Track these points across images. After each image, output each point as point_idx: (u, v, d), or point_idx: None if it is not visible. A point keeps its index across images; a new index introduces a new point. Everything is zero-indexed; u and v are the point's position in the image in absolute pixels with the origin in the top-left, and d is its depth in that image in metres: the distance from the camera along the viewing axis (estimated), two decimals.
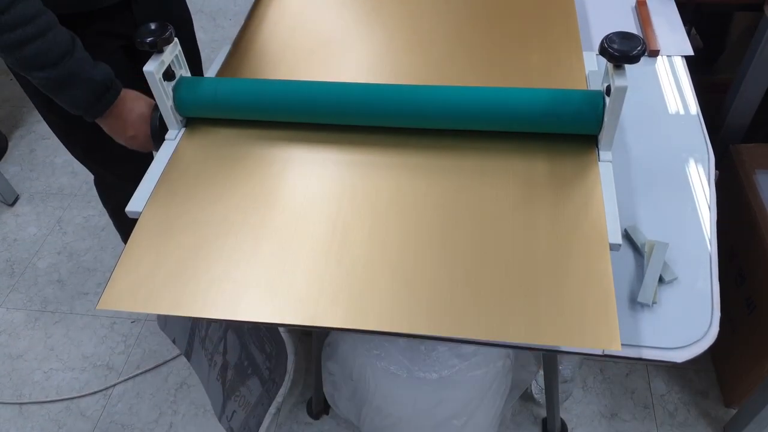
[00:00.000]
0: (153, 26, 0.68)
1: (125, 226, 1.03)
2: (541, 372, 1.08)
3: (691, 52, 0.91)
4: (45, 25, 0.69)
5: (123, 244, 1.34)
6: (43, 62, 0.70)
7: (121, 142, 0.82)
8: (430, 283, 0.56)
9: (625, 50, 0.60)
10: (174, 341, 0.78)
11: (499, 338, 0.53)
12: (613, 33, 0.62)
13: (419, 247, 0.59)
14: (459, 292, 0.55)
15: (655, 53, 0.91)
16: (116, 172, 1.06)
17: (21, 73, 0.72)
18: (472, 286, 0.56)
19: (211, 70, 0.82)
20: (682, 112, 0.82)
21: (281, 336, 0.94)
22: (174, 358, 1.39)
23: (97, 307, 0.58)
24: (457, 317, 0.54)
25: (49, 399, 1.35)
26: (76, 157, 1.06)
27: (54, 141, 1.98)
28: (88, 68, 0.73)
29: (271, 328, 0.97)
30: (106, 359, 1.41)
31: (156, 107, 0.73)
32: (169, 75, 0.71)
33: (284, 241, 0.61)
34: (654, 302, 0.62)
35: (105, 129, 0.80)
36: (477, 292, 0.55)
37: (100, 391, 1.35)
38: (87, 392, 1.35)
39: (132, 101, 0.79)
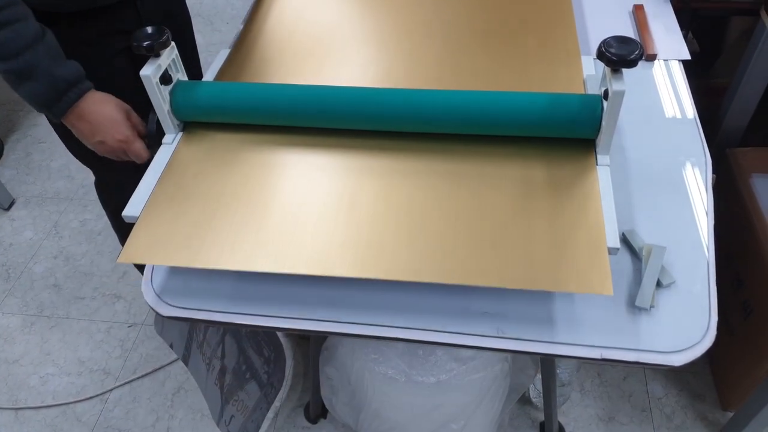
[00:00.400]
0: (150, 30, 0.68)
1: (124, 228, 1.03)
2: (539, 376, 1.08)
3: (688, 57, 0.91)
4: (12, 16, 0.68)
5: (121, 246, 1.34)
6: (4, 53, 0.69)
7: (91, 147, 0.78)
8: (434, 239, 0.60)
9: (623, 54, 0.60)
10: (171, 346, 0.78)
11: (498, 284, 0.56)
12: (611, 37, 0.62)
13: (424, 209, 0.62)
14: (461, 246, 0.59)
15: (652, 57, 0.91)
16: (118, 173, 1.06)
17: None
18: (473, 242, 0.59)
19: (208, 74, 0.82)
20: (679, 116, 0.82)
21: (279, 340, 0.94)
22: (171, 362, 1.38)
23: (118, 260, 0.62)
24: (458, 267, 0.58)
25: (45, 404, 1.34)
26: (77, 157, 1.05)
27: (50, 145, 1.97)
28: (49, 63, 0.71)
29: (269, 333, 0.97)
30: (102, 364, 1.40)
31: (153, 111, 0.73)
32: (166, 79, 0.71)
33: (291, 213, 0.64)
34: (652, 306, 0.62)
35: (73, 131, 0.78)
36: (478, 246, 0.59)
37: (97, 396, 1.34)
38: (83, 397, 1.34)
39: (98, 103, 0.75)
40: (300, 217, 0.63)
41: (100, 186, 1.18)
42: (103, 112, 0.75)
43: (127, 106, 0.77)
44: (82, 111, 0.75)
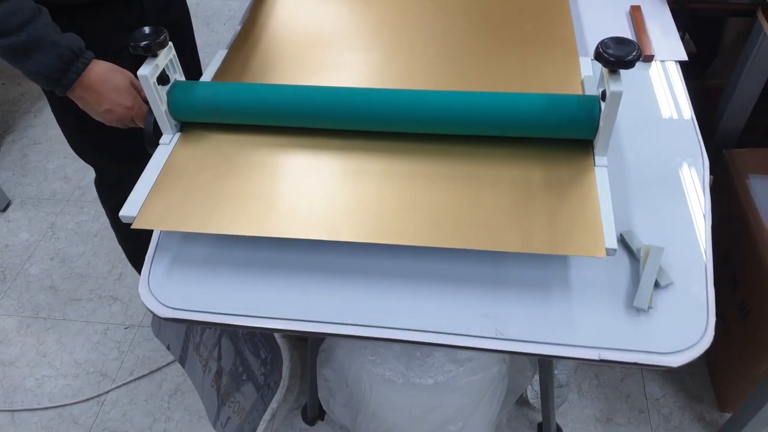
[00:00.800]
0: (148, 30, 0.67)
1: (122, 226, 1.03)
2: (537, 377, 1.08)
3: (685, 58, 0.92)
4: None
5: (119, 245, 1.34)
6: (5, 29, 0.68)
7: (97, 117, 0.79)
8: (435, 207, 0.63)
9: (621, 55, 0.60)
10: (168, 347, 0.77)
11: (497, 248, 0.59)
12: (608, 38, 0.62)
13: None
14: (461, 214, 0.62)
15: (649, 58, 0.92)
16: (118, 171, 1.05)
17: None
18: (473, 211, 0.63)
19: (206, 75, 0.82)
20: (676, 117, 0.82)
21: (276, 341, 0.94)
22: (168, 364, 1.38)
23: (133, 226, 0.63)
24: (458, 231, 0.61)
25: (41, 406, 1.33)
26: (80, 154, 1.06)
27: (46, 146, 1.97)
28: (53, 34, 0.71)
29: (266, 334, 0.96)
30: (99, 366, 1.39)
31: (150, 111, 0.72)
32: (163, 79, 0.71)
33: (297, 186, 0.67)
34: (650, 307, 0.62)
35: (79, 104, 0.78)
36: (477, 214, 0.62)
37: (93, 398, 1.34)
38: (80, 399, 1.34)
39: (106, 71, 0.76)
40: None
41: (100, 184, 1.18)
42: (110, 81, 0.76)
43: (129, 74, 0.78)
44: (90, 81, 0.75)
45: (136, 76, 0.80)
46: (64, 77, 0.74)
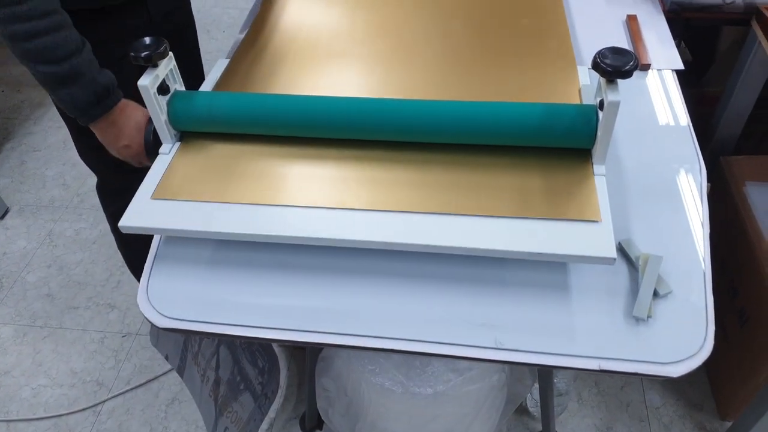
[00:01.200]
0: (148, 41, 0.68)
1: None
2: (537, 385, 1.08)
3: (681, 66, 0.92)
4: (58, 23, 0.71)
5: (117, 251, 1.33)
6: (49, 57, 0.71)
7: (113, 151, 0.81)
8: (438, 186, 0.67)
9: (618, 65, 0.61)
10: (167, 357, 0.77)
11: (494, 213, 0.63)
12: (606, 48, 0.62)
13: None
14: (462, 189, 0.66)
15: (646, 67, 0.92)
16: (122, 178, 1.06)
17: (23, 63, 0.72)
18: (472, 186, 0.67)
19: (206, 84, 0.82)
20: (673, 125, 0.83)
21: (274, 350, 0.93)
22: (165, 373, 1.37)
23: (152, 197, 0.66)
24: (459, 201, 0.65)
25: (37, 416, 1.32)
26: (85, 160, 1.07)
27: (45, 153, 1.97)
28: (93, 70, 0.74)
29: (264, 344, 0.96)
30: (95, 375, 1.39)
31: (150, 120, 0.72)
32: (163, 89, 0.71)
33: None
34: (649, 316, 0.62)
35: (98, 135, 0.80)
36: (476, 188, 0.66)
37: (90, 407, 1.33)
38: (76, 409, 1.33)
39: (131, 110, 0.79)
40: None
41: (102, 189, 1.18)
42: (133, 118, 0.79)
43: (148, 113, 0.79)
44: (115, 116, 0.78)
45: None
46: (91, 110, 0.76)
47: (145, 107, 0.71)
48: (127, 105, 0.79)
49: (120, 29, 0.89)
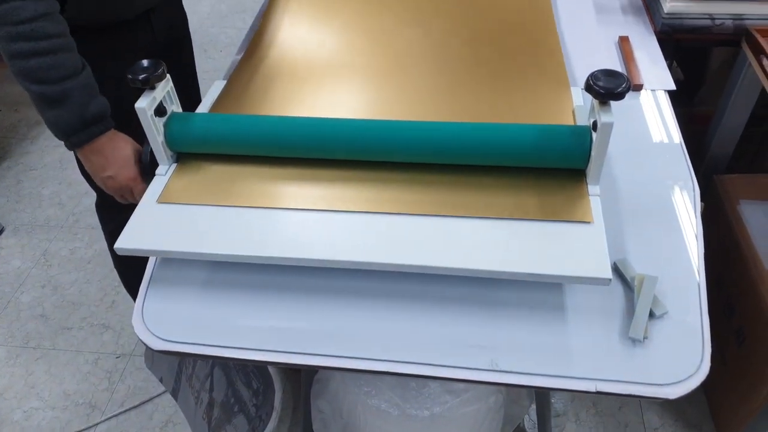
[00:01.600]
0: (146, 63, 0.68)
1: None
2: (534, 406, 1.07)
3: (673, 87, 0.93)
4: (59, 45, 0.71)
5: (112, 271, 1.33)
6: (43, 77, 0.71)
7: (98, 181, 0.81)
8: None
9: (611, 87, 0.61)
10: (161, 380, 0.76)
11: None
12: (599, 70, 0.63)
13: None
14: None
15: (638, 87, 0.93)
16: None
17: (17, 80, 0.73)
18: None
19: (203, 106, 0.82)
20: (666, 144, 0.83)
21: (269, 372, 0.93)
22: (159, 394, 1.36)
23: (158, 201, 0.68)
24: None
25: None
26: (86, 177, 1.07)
27: (41, 172, 1.97)
28: (83, 96, 0.74)
29: (259, 366, 0.95)
30: (89, 397, 1.37)
31: (147, 142, 0.73)
32: (160, 111, 0.71)
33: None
34: (645, 337, 0.62)
35: (84, 162, 0.80)
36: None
37: (83, 430, 1.31)
38: None
39: (120, 140, 0.78)
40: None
41: (101, 206, 1.18)
42: (120, 149, 0.78)
43: (138, 147, 0.80)
44: (101, 146, 0.77)
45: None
46: (75, 136, 0.76)
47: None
48: (116, 136, 0.78)
49: (129, 46, 0.91)
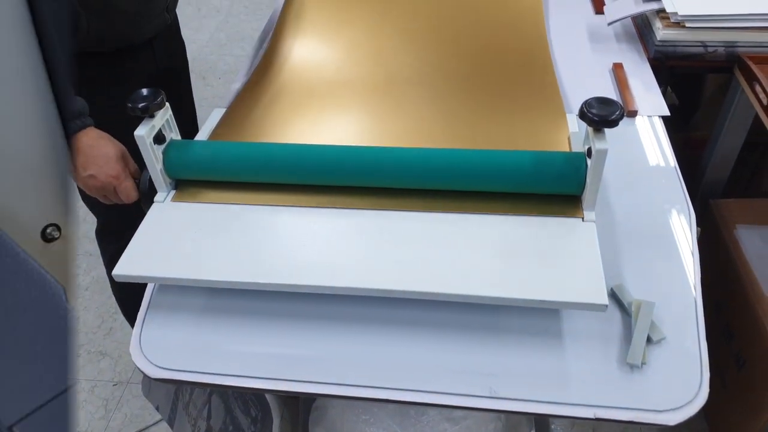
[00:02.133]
0: (145, 92, 0.69)
1: None
2: None
3: (667, 113, 0.94)
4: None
5: (110, 297, 1.32)
6: None
7: (80, 182, 0.79)
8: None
9: (604, 115, 0.62)
10: (158, 408, 0.76)
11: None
12: (592, 98, 0.64)
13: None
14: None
15: (633, 114, 0.94)
16: (121, 221, 1.06)
17: None
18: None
19: (202, 133, 0.83)
20: (662, 170, 0.84)
21: (267, 400, 0.92)
22: (156, 423, 1.34)
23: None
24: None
25: None
26: (86, 203, 1.07)
27: None
28: (59, 95, 0.72)
29: (257, 393, 0.94)
30: (84, 426, 1.35)
31: (146, 169, 0.73)
32: (159, 138, 0.72)
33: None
34: (643, 363, 0.61)
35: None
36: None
37: None
38: None
39: (99, 138, 0.77)
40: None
41: (101, 232, 1.18)
42: (99, 148, 0.77)
43: (123, 148, 0.79)
44: (80, 144, 0.76)
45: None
46: None
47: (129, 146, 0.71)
48: (94, 134, 0.77)
49: (132, 72, 0.94)
